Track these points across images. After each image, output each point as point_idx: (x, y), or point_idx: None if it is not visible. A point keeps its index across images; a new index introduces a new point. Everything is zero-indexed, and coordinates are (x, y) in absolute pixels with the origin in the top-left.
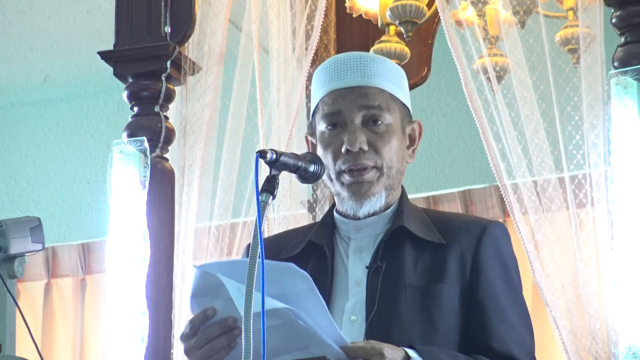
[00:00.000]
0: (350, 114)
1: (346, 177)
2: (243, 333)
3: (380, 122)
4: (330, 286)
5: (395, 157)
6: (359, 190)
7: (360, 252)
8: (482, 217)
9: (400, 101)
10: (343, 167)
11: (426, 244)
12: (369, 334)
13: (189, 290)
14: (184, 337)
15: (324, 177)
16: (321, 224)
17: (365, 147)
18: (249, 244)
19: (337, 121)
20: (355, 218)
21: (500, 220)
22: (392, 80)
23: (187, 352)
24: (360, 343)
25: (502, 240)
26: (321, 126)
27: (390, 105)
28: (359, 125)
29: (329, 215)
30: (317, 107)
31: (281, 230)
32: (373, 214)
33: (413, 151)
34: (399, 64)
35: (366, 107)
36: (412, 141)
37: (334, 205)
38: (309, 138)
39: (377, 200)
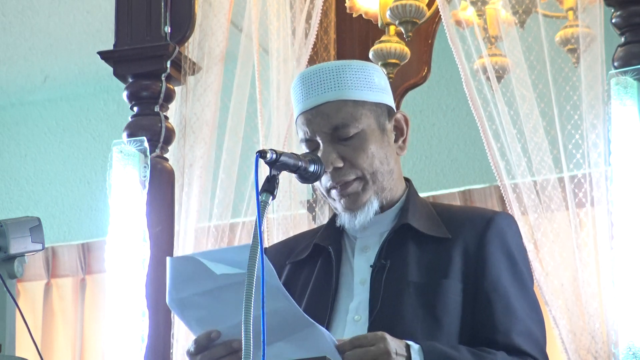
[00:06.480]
0: (320, 136)
1: (334, 193)
2: (243, 334)
3: (349, 136)
4: (336, 287)
5: (377, 161)
6: (348, 203)
7: (365, 251)
8: (488, 209)
9: (371, 102)
10: (328, 185)
11: (431, 240)
12: None
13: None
14: (190, 354)
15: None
16: (328, 225)
17: (340, 164)
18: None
19: (312, 146)
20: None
21: None
22: (357, 84)
23: None
24: (356, 336)
25: (508, 231)
26: (303, 147)
27: (356, 113)
28: (330, 143)
29: (336, 215)
30: (296, 124)
31: (280, 230)
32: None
33: (404, 141)
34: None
35: (330, 127)
36: (400, 132)
37: None
38: None
39: (370, 208)
